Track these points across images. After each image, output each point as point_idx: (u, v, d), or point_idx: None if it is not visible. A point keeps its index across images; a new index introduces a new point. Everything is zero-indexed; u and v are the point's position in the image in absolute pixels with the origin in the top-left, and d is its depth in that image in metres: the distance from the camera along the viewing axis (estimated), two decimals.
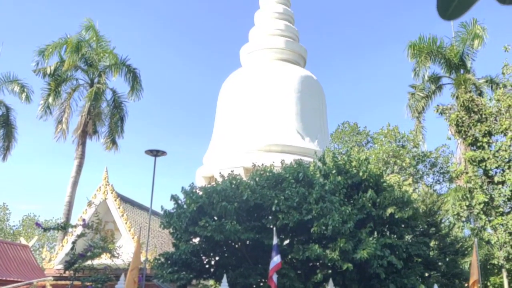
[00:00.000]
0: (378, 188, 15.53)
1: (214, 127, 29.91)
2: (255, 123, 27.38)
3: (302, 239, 14.54)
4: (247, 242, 14.29)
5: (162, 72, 77.88)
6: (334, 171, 15.29)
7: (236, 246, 14.98)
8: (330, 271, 14.22)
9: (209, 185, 15.41)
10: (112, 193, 20.76)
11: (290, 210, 13.74)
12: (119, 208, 20.50)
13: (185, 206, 14.54)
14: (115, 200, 20.65)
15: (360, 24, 76.57)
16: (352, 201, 15.08)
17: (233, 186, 14.52)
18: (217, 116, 29.95)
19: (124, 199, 21.73)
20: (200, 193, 14.46)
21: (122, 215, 20.31)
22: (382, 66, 75.97)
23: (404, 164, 26.83)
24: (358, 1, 75.83)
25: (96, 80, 25.50)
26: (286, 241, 15.02)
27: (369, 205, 14.54)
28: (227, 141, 27.63)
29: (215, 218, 14.14)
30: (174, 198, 14.95)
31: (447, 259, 16.70)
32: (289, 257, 14.19)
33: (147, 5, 75.00)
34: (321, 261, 13.90)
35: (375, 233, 14.27)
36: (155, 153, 14.83)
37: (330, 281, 13.33)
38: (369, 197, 14.64)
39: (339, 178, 14.97)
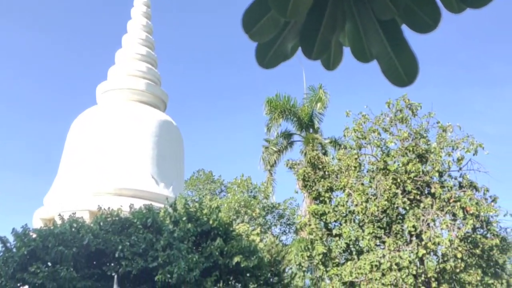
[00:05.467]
0: (227, 236, 15.65)
1: (60, 166, 27.69)
2: (106, 164, 26.00)
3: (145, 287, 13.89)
4: None
5: (8, 97, 71.02)
6: (184, 218, 15.08)
7: None
8: None
9: (45, 227, 14.07)
10: None
11: (134, 257, 13.10)
12: None
13: (14, 250, 13.00)
14: None
15: (222, 74, 79.44)
16: (200, 249, 14.94)
17: (73, 229, 13.43)
18: (64, 154, 27.85)
19: None
20: (34, 235, 13.11)
21: None
22: (240, 118, 79.17)
23: (254, 214, 27.63)
24: (227, 53, 78.95)
25: None
26: None
27: (217, 253, 14.52)
28: (73, 181, 25.68)
29: (49, 264, 12.84)
30: (2, 240, 13.27)
31: None
32: None
33: None
34: None
35: (221, 282, 14.26)
36: None
37: None
38: (217, 245, 14.64)
39: (189, 225, 14.80)
